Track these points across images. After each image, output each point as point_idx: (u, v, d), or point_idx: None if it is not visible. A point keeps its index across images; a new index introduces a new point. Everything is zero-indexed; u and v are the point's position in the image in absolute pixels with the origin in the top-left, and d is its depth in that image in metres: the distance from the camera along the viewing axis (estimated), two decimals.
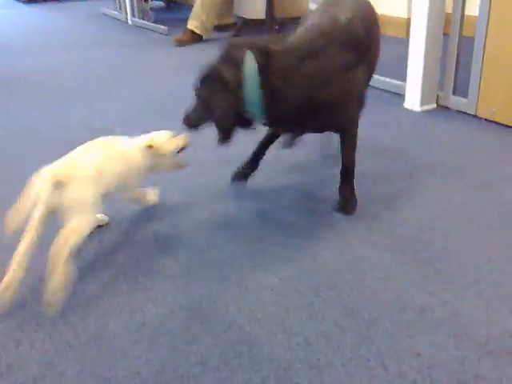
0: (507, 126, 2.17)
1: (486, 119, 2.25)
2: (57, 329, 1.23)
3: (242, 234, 1.57)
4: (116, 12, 5.21)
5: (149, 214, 1.70)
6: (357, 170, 1.64)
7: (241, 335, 1.19)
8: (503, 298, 1.25)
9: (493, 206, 1.64)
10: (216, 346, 1.16)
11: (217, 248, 1.51)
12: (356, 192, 1.68)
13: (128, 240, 1.57)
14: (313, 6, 4.72)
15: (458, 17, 2.27)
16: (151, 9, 4.99)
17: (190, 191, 1.84)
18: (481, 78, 2.21)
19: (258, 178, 1.70)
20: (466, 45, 2.30)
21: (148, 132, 1.59)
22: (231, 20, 4.43)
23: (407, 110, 2.46)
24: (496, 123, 2.22)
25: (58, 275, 1.26)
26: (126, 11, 4.97)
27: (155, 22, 4.75)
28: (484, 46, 2.17)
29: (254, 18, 4.41)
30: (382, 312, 1.23)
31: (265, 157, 1.80)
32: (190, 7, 4.23)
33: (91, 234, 1.59)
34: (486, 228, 1.53)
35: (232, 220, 1.65)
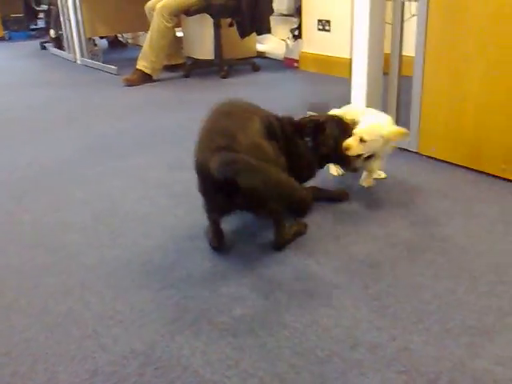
0: (448, 162, 2.28)
1: (427, 156, 2.35)
2: (4, 380, 1.19)
3: (195, 275, 1.57)
4: (65, 52, 5.19)
5: (100, 256, 1.68)
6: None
7: (195, 380, 1.18)
8: (451, 332, 1.29)
9: (436, 241, 1.70)
10: None
11: (170, 289, 1.50)
12: (308, 229, 1.72)
13: (77, 284, 1.54)
14: (260, 48, 4.86)
15: (397, 57, 2.39)
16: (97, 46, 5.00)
17: (140, 231, 1.83)
18: (420, 116, 2.32)
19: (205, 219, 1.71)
20: (406, 84, 2.42)
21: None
22: (180, 60, 4.50)
23: None
24: (437, 160, 2.32)
25: None
26: (74, 51, 4.96)
27: (104, 62, 4.76)
28: (422, 85, 2.29)
29: (203, 58, 4.49)
30: (334, 349, 1.25)
31: None
32: (139, 47, 4.27)
33: (38, 275, 1.55)
34: (430, 262, 1.59)
35: (184, 261, 1.65)
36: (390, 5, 2.41)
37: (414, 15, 2.43)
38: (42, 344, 1.30)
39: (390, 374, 1.17)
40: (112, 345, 1.29)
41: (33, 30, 6.86)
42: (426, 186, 2.10)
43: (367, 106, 2.44)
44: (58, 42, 5.26)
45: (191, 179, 1.62)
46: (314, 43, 4.20)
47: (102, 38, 5.72)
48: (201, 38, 4.54)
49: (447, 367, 1.18)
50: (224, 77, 4.14)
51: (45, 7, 5.93)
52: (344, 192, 2.04)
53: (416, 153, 2.40)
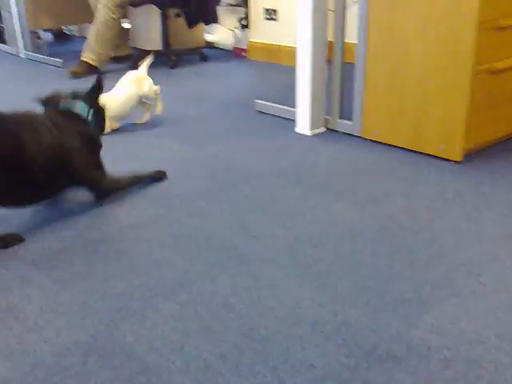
0: (390, 145, 2.33)
1: (370, 140, 2.40)
2: None
3: (141, 264, 1.56)
4: (7, 46, 5.03)
5: (41, 250, 1.65)
6: None
7: (139, 366, 1.18)
8: (388, 305, 1.33)
9: (377, 220, 1.75)
10: (114, 380, 1.14)
11: (115, 279, 1.49)
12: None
13: (17, 279, 1.51)
14: (209, 38, 4.84)
15: (339, 44, 2.42)
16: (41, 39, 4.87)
17: (84, 223, 1.81)
18: (363, 101, 2.37)
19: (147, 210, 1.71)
20: (349, 70, 2.46)
21: None
22: (127, 51, 4.43)
23: (299, 134, 2.57)
24: (379, 143, 2.37)
25: None
26: (17, 44, 4.81)
27: (50, 54, 4.64)
28: (364, 71, 2.33)
29: (151, 49, 4.44)
30: (277, 327, 1.27)
31: None
32: (84, 39, 4.18)
33: None
34: (371, 240, 1.63)
35: (128, 249, 1.64)
36: None
37: (355, 1, 2.46)
38: None
39: (331, 348, 1.20)
40: (54, 337, 1.28)
41: None
42: (369, 169, 2.15)
43: (312, 93, 2.47)
44: None
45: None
46: (262, 32, 4.21)
47: (46, 30, 5.58)
48: (148, 29, 4.48)
49: (384, 338, 1.22)
50: (172, 67, 4.11)
51: None
52: (161, 171, 2.13)
53: (359, 137, 2.45)
